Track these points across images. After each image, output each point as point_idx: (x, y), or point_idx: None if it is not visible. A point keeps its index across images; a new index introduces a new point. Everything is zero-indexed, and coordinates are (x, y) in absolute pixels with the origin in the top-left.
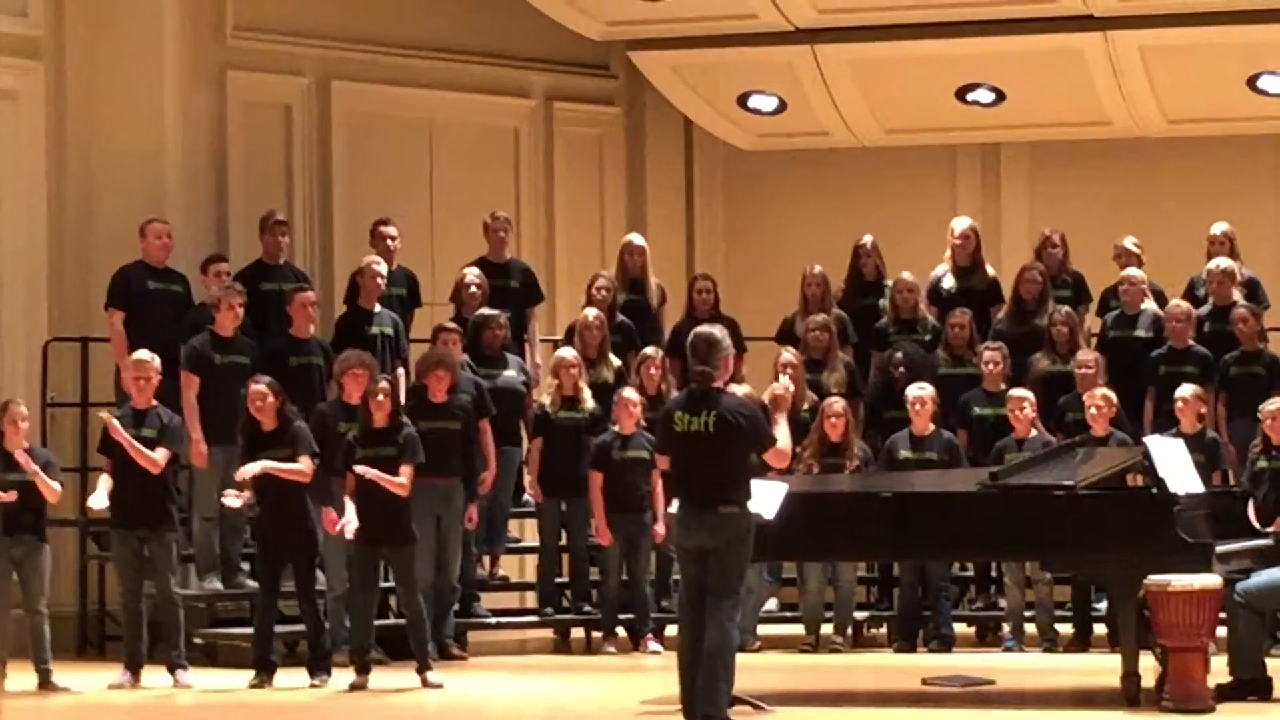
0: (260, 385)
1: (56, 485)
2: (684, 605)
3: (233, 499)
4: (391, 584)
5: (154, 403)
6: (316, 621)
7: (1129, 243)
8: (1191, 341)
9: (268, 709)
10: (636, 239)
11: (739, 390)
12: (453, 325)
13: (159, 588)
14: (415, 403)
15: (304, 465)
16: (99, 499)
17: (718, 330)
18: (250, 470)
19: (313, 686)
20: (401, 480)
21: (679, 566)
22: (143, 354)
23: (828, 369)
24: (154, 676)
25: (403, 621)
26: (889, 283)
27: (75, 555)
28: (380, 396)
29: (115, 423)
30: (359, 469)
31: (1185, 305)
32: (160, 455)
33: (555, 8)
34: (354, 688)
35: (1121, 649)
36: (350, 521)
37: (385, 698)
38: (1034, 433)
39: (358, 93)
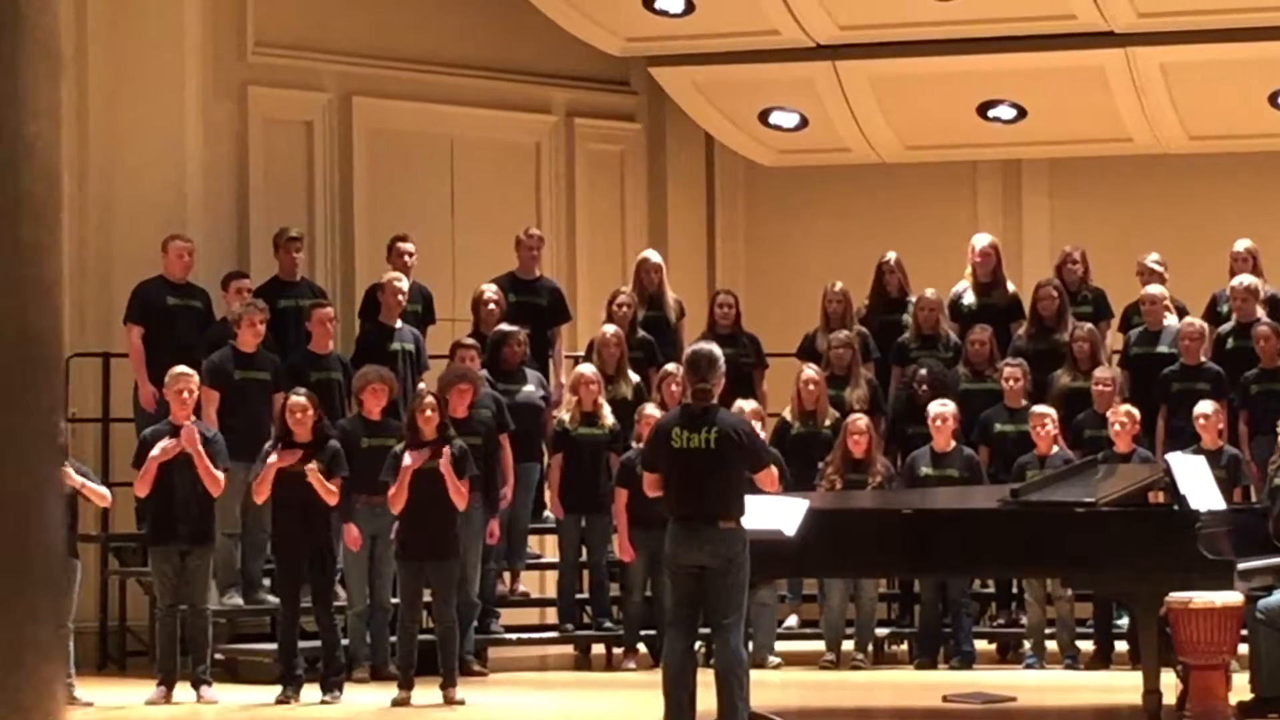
0: (300, 397)
1: (104, 490)
2: (674, 623)
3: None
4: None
5: (194, 417)
6: (333, 637)
7: (1151, 260)
8: (1204, 359)
9: None
10: (652, 255)
11: (747, 406)
12: (471, 341)
13: (193, 602)
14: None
15: (334, 488)
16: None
17: (716, 348)
18: (266, 473)
19: (323, 703)
20: (462, 491)
21: (670, 584)
22: (181, 368)
23: (850, 385)
24: (176, 692)
25: (426, 637)
26: (913, 299)
27: (96, 571)
28: (429, 411)
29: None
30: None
31: (1199, 323)
32: (220, 476)
33: (576, 24)
34: (397, 703)
35: (1143, 666)
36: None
37: (405, 714)
38: (1055, 449)
39: (379, 109)
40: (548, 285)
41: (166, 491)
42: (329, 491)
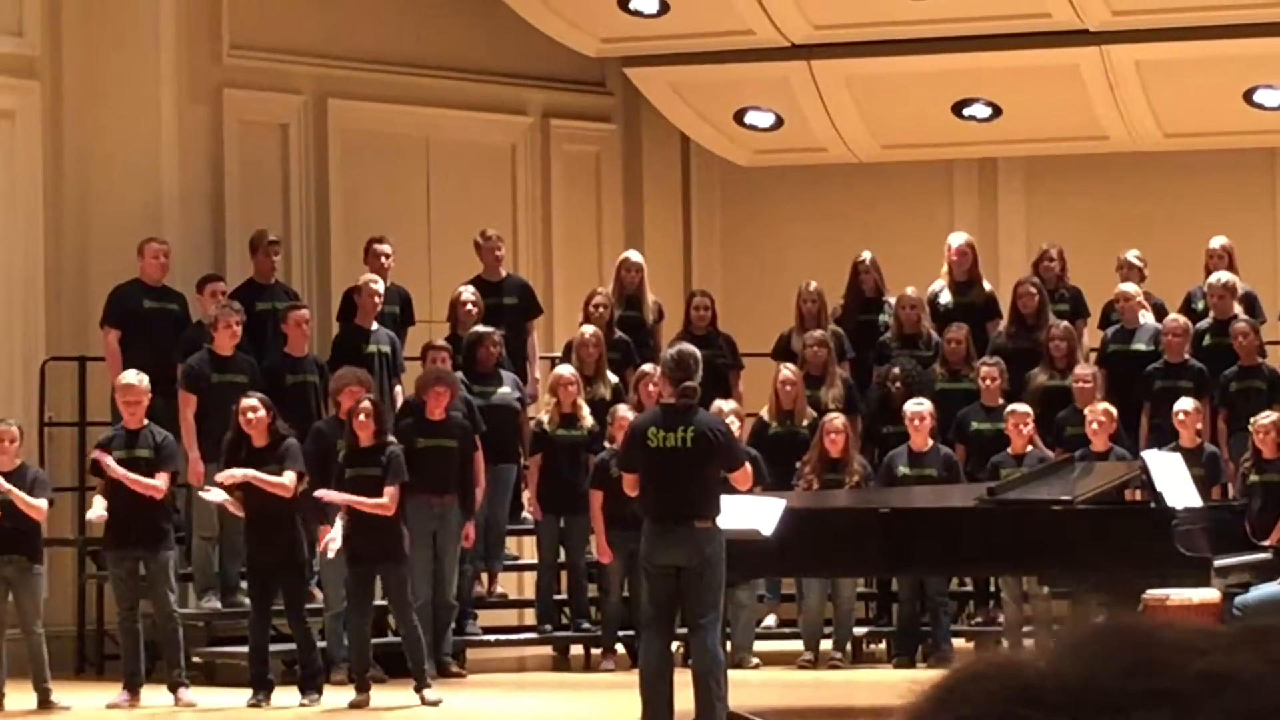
0: (251, 399)
1: (40, 502)
2: (650, 622)
3: (214, 493)
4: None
5: (145, 422)
6: (307, 640)
7: (1131, 256)
8: (1187, 356)
9: None
10: (634, 256)
11: (726, 406)
12: (442, 343)
13: (157, 607)
14: (413, 420)
15: (287, 480)
16: (96, 510)
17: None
18: (230, 475)
19: (302, 705)
20: (383, 501)
21: (646, 584)
22: (129, 376)
23: (826, 385)
24: (153, 696)
25: (401, 639)
26: (888, 298)
27: (73, 575)
28: (362, 416)
29: (109, 460)
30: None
31: (1182, 320)
32: (161, 480)
33: (552, 25)
34: (355, 705)
35: None
36: (334, 540)
37: (383, 715)
38: (1030, 448)
39: (354, 111)
40: (515, 283)
41: (119, 498)
42: (281, 486)
